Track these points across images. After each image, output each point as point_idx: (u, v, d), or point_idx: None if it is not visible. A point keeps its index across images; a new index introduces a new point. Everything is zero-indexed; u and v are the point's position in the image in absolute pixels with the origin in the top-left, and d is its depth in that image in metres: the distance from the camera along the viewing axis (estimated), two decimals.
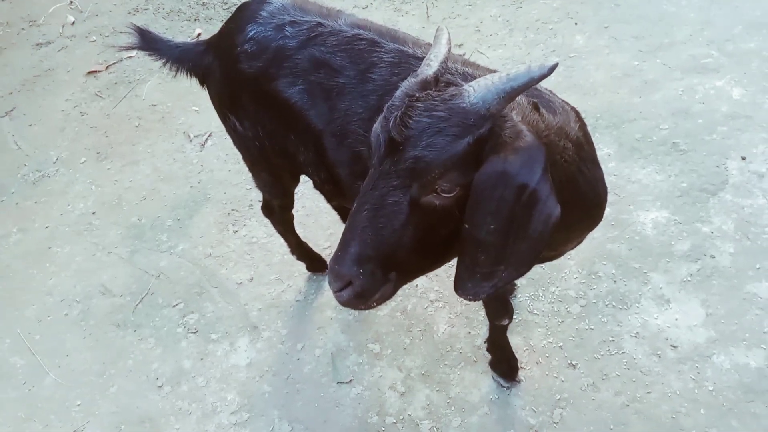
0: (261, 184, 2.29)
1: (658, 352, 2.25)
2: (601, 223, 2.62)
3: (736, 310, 2.31)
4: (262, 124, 1.94)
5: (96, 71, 4.14)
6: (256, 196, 3.09)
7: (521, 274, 1.36)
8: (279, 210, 2.42)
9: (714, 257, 2.46)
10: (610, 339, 2.31)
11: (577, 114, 1.59)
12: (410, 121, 1.20)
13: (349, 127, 1.72)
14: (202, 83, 2.08)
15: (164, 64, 2.08)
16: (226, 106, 2.01)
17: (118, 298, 2.78)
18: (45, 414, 2.45)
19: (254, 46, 1.81)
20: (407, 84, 1.29)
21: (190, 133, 3.57)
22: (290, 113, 1.81)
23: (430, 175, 1.20)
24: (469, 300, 1.40)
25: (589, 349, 2.30)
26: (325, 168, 1.87)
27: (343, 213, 2.68)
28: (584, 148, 1.53)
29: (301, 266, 2.72)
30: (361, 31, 1.73)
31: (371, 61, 1.68)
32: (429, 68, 1.31)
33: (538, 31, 3.69)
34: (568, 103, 1.58)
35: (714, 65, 3.22)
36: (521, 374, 2.26)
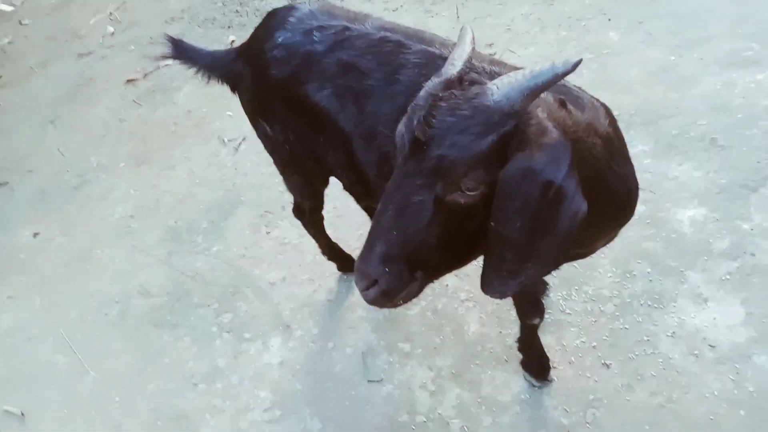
0: (292, 186, 2.32)
1: (696, 352, 2.19)
2: (637, 222, 2.59)
3: None
4: (292, 128, 1.97)
5: (134, 79, 4.27)
6: (288, 198, 3.12)
7: (548, 272, 1.35)
8: (310, 212, 2.45)
9: (754, 255, 2.38)
10: (646, 339, 2.26)
11: (608, 110, 1.56)
12: (434, 121, 1.20)
13: (378, 128, 1.73)
14: (233, 90, 2.12)
15: (197, 72, 2.14)
16: (257, 111, 2.05)
17: (156, 299, 2.86)
18: (86, 411, 2.53)
19: (283, 51, 1.84)
20: (431, 84, 1.29)
21: (225, 138, 3.64)
22: (319, 116, 1.83)
23: (455, 173, 1.20)
24: (496, 298, 1.40)
25: (624, 349, 2.25)
26: (354, 170, 1.88)
27: (373, 214, 2.69)
28: (614, 143, 1.50)
29: (332, 266, 2.74)
30: (388, 34, 1.74)
31: (398, 62, 1.69)
32: (453, 67, 1.31)
33: (571, 28, 3.65)
34: (598, 100, 1.56)
35: (754, 58, 3.12)
36: (553, 374, 2.23)
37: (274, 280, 2.80)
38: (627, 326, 2.30)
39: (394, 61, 1.69)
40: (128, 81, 4.28)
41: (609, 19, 3.63)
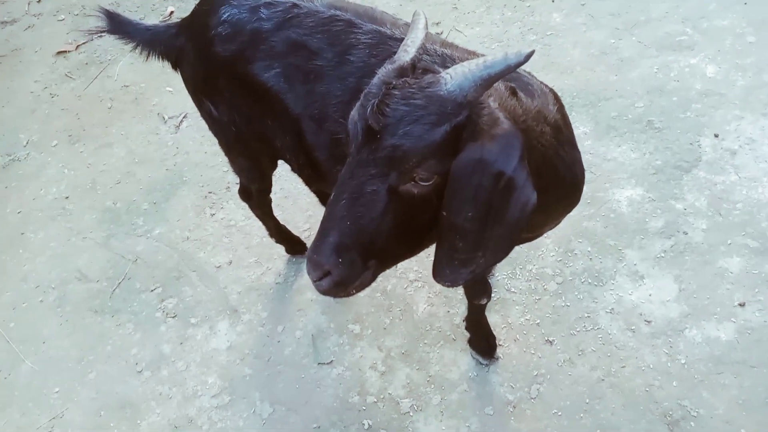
0: (238, 169, 2.26)
1: (633, 327, 2.30)
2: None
3: (708, 285, 2.36)
4: (238, 108, 1.91)
5: (66, 51, 4.04)
6: (233, 179, 3.06)
7: (499, 260, 1.37)
8: (257, 194, 2.41)
9: (687, 233, 2.51)
10: (586, 315, 2.35)
11: (556, 96, 1.59)
12: (387, 110, 1.20)
13: (328, 110, 1.70)
14: (174, 67, 2.04)
15: (135, 48, 2.03)
16: (201, 90, 1.98)
17: (95, 284, 2.76)
18: (23, 401, 2.43)
19: (228, 28, 1.77)
20: (384, 71, 1.28)
21: (165, 115, 3.51)
22: (267, 97, 1.78)
23: (408, 163, 1.20)
24: (448, 286, 1.42)
25: (566, 326, 2.34)
26: (303, 153, 1.85)
27: (323, 196, 2.67)
28: (562, 131, 1.53)
29: (280, 249, 2.71)
30: (338, 12, 1.70)
31: (349, 42, 1.66)
32: (406, 54, 1.30)
33: (516, 9, 3.68)
34: (546, 85, 1.58)
35: (688, 42, 3.24)
36: (499, 351, 2.29)
37: (220, 264, 2.75)
38: (569, 303, 2.39)
39: (345, 41, 1.66)
40: (59, 53, 4.05)
41: (553, 1, 3.67)
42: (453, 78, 1.19)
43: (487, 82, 1.17)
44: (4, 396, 2.46)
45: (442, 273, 1.33)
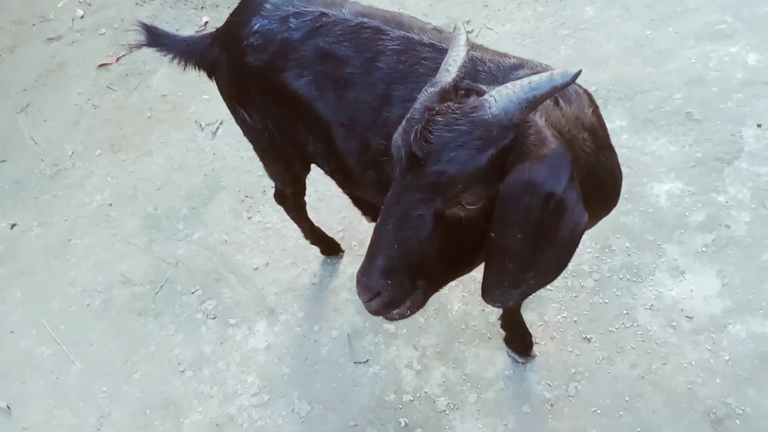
0: (272, 173, 2.31)
1: (673, 324, 2.25)
2: None
3: (752, 280, 2.29)
4: (271, 115, 1.95)
5: (107, 64, 4.18)
6: (269, 183, 3.11)
7: (550, 281, 1.36)
8: (291, 197, 2.45)
9: (729, 227, 2.44)
10: (625, 312, 2.31)
11: (591, 98, 1.57)
12: (431, 136, 1.19)
13: (358, 117, 1.72)
14: (210, 76, 2.10)
15: (172, 59, 2.10)
16: (235, 98, 2.03)
17: (138, 287, 2.84)
18: (73, 401, 2.53)
19: (260, 39, 1.81)
20: (426, 95, 1.27)
21: (202, 122, 3.59)
22: (298, 105, 1.82)
23: (454, 189, 1.19)
24: (497, 306, 1.41)
25: (604, 323, 2.30)
26: (335, 157, 1.88)
27: (355, 198, 2.70)
28: (599, 134, 1.52)
29: (316, 250, 2.75)
30: (365, 20, 1.72)
31: (377, 49, 1.67)
32: (447, 75, 1.28)
33: (547, 4, 3.64)
34: (580, 86, 1.56)
35: (728, 31, 3.15)
36: (536, 349, 2.27)
37: (257, 265, 2.80)
38: (606, 300, 2.35)
39: (373, 48, 1.68)
40: (100, 65, 4.19)
41: None
42: (497, 101, 1.17)
43: (532, 104, 1.16)
44: (56, 396, 2.56)
45: (491, 294, 1.33)
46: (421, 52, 1.62)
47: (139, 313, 2.75)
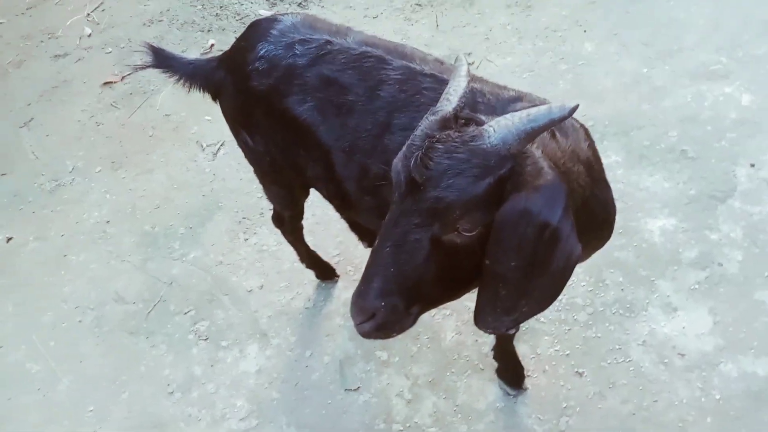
0: (271, 196, 2.33)
1: (666, 360, 2.25)
2: None
3: (744, 318, 2.30)
4: (273, 139, 1.98)
5: (112, 82, 4.22)
6: (267, 205, 3.13)
7: (543, 309, 1.37)
8: (289, 220, 2.46)
9: (722, 265, 2.46)
10: (617, 347, 2.31)
11: (587, 132, 1.60)
12: (431, 162, 1.22)
13: (358, 143, 1.75)
14: (214, 98, 2.13)
15: (178, 81, 2.13)
16: (238, 121, 2.06)
17: (131, 306, 2.84)
18: (59, 419, 2.51)
19: (265, 64, 1.85)
20: (427, 122, 1.30)
21: (203, 143, 3.62)
22: (300, 129, 1.85)
23: (452, 215, 1.22)
24: (489, 333, 1.43)
25: (596, 357, 2.30)
26: (334, 182, 1.90)
27: (353, 223, 2.71)
28: (594, 168, 1.54)
29: (311, 274, 2.75)
30: (369, 49, 1.76)
31: (379, 78, 1.71)
32: (448, 104, 1.31)
33: (547, 39, 3.70)
34: (577, 120, 1.59)
35: (723, 71, 3.21)
36: (527, 382, 2.27)
37: (251, 288, 2.81)
38: (599, 335, 2.35)
39: (375, 77, 1.71)
40: (105, 83, 4.23)
41: (584, 31, 3.69)
42: (496, 131, 1.21)
43: (530, 136, 1.19)
44: (43, 413, 2.54)
45: (484, 320, 1.34)
46: (422, 82, 1.65)
47: (131, 331, 2.74)
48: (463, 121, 1.29)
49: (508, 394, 2.25)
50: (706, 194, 2.69)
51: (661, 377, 2.21)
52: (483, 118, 1.29)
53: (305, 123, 1.82)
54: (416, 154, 1.24)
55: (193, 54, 4.21)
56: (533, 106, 1.29)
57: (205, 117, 3.80)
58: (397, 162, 1.29)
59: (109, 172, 3.58)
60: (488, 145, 1.20)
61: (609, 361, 2.28)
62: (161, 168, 3.54)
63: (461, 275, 1.33)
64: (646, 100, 3.18)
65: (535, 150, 1.26)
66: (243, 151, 2.16)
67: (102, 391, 2.55)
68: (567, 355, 2.33)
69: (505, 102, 1.56)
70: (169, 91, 4.06)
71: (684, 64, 3.31)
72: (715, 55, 3.31)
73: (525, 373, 2.26)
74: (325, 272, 2.74)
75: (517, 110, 1.46)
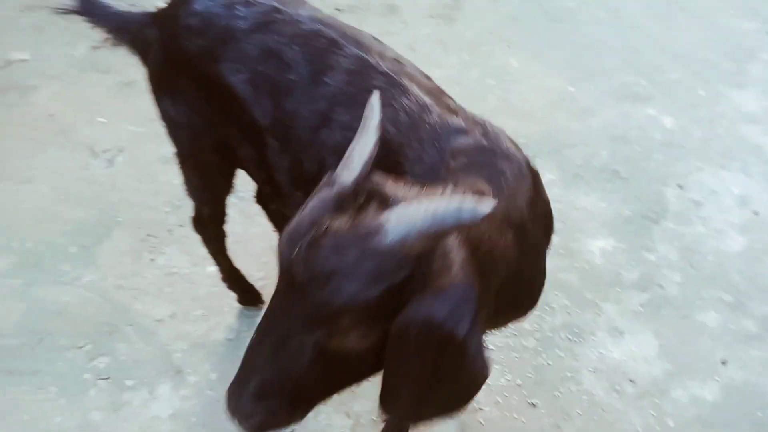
0: (191, 186, 2.01)
1: (617, 388, 2.18)
2: (552, 252, 2.56)
3: (688, 340, 2.30)
4: (198, 110, 1.71)
5: None
6: (176, 221, 2.78)
7: (449, 417, 1.18)
8: (209, 222, 2.16)
9: (662, 286, 2.45)
10: (569, 375, 2.22)
11: (535, 179, 1.39)
12: (316, 259, 0.98)
13: (292, 132, 1.53)
14: (143, 59, 1.82)
15: (107, 34, 1.84)
16: (162, 85, 1.77)
17: (11, 339, 2.36)
18: None
19: (199, 21, 1.58)
20: (319, 199, 1.05)
21: (97, 148, 3.17)
22: (231, 102, 1.59)
23: (340, 323, 0.99)
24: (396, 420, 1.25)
25: (549, 386, 2.19)
26: (265, 168, 1.66)
27: (282, 219, 2.43)
28: (528, 232, 1.32)
29: (231, 300, 2.44)
30: (322, 28, 1.52)
31: (328, 63, 1.48)
32: (348, 173, 1.05)
33: (473, 53, 3.64)
34: (528, 162, 1.39)
35: (644, 94, 3.29)
36: (480, 416, 2.11)
37: (161, 317, 2.43)
38: (550, 362, 2.25)
39: (323, 61, 1.49)
40: None
41: (509, 47, 3.67)
42: (395, 227, 0.97)
43: (434, 238, 0.97)
44: None
45: (387, 411, 1.14)
46: (374, 79, 1.44)
47: (9, 371, 2.27)
48: (364, 196, 1.04)
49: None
50: (640, 215, 2.70)
51: (615, 405, 2.14)
52: (391, 192, 1.05)
53: (238, 96, 1.57)
54: (300, 244, 0.99)
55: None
56: (477, 150, 1.19)
57: (98, 119, 3.34)
58: (284, 241, 1.04)
59: None
60: (385, 245, 0.97)
61: (562, 391, 2.18)
62: (45, 177, 3.05)
63: (354, 376, 1.12)
64: (575, 119, 3.18)
65: (451, 240, 1.04)
66: (165, 123, 1.85)
67: None
68: (519, 385, 2.20)
69: (449, 132, 1.35)
70: (52, 88, 3.55)
71: (607, 84, 3.37)
72: (635, 77, 3.39)
73: (478, 405, 2.10)
74: (249, 296, 2.44)
75: (458, 147, 1.30)
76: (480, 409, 2.13)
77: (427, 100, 1.39)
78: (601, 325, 2.34)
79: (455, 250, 1.02)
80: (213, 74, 1.59)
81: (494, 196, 1.20)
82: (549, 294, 2.43)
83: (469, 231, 1.08)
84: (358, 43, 1.52)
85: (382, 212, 0.99)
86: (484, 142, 1.33)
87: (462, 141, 1.32)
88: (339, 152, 1.42)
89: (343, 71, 1.46)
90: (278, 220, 2.47)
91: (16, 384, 2.25)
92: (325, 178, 1.08)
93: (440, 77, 3.44)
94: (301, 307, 0.99)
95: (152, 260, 2.64)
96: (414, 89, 1.41)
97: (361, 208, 1.02)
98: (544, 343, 2.30)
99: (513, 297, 1.37)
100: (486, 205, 0.94)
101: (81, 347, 2.35)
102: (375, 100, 1.13)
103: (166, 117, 1.82)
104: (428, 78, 1.61)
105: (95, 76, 3.67)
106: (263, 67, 1.54)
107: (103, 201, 2.89)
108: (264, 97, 1.55)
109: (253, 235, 2.66)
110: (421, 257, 0.98)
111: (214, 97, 1.64)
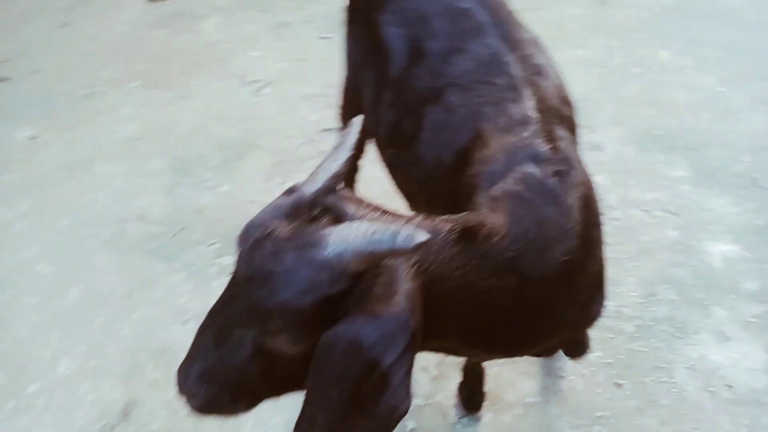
0: (342, 110, 2.24)
1: (712, 389, 2.12)
2: (669, 246, 2.51)
3: None
4: (359, 46, 1.90)
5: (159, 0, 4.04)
6: (308, 153, 2.99)
7: None
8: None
9: None
10: (662, 366, 2.18)
11: (586, 246, 1.29)
12: (256, 260, 1.00)
13: (406, 94, 1.60)
14: None
15: None
16: (347, 17, 2.00)
17: (154, 227, 2.68)
18: (65, 324, 2.35)
19: None
20: (276, 203, 1.07)
21: (247, 78, 3.46)
22: (379, 48, 1.71)
23: (270, 325, 1.01)
24: None
25: (639, 372, 2.17)
26: (375, 117, 1.76)
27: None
28: (545, 290, 1.24)
29: None
30: (478, 8, 1.57)
31: (464, 45, 1.53)
32: (311, 185, 1.07)
33: (622, 39, 3.55)
34: (590, 225, 1.29)
35: None
36: (563, 384, 2.14)
37: None
38: (645, 349, 2.22)
39: (461, 41, 1.54)
40: (150, 0, 4.05)
41: (661, 37, 3.54)
42: (333, 242, 0.98)
43: (370, 259, 0.97)
44: (48, 316, 2.38)
45: (300, 428, 1.10)
46: (497, 77, 1.45)
47: (150, 253, 2.59)
48: (319, 210, 1.05)
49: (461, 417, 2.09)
50: None
51: (706, 405, 2.08)
52: (349, 209, 1.05)
53: (384, 45, 1.68)
54: (250, 239, 1.02)
55: None
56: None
57: (252, 52, 3.63)
58: (240, 235, 1.07)
59: (145, 90, 3.42)
60: (321, 257, 0.97)
61: (651, 379, 2.15)
62: (200, 95, 3.37)
63: (292, 382, 1.12)
64: (719, 120, 3.03)
65: (400, 265, 1.02)
66: (345, 47, 2.07)
67: (112, 307, 2.40)
68: (608, 363, 2.19)
69: (527, 154, 1.30)
70: (217, 18, 3.89)
71: (762, 90, 3.17)
72: None
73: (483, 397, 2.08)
74: None
75: (522, 173, 1.25)
76: (563, 377, 2.16)
77: (532, 114, 1.36)
78: (707, 327, 2.27)
79: (402, 279, 1.01)
80: (374, 20, 1.73)
81: (505, 236, 1.17)
82: (656, 285, 2.38)
83: (432, 265, 1.07)
84: (506, 35, 1.52)
85: (329, 226, 1.01)
86: (548, 184, 1.25)
87: (530, 170, 1.27)
88: (434, 129, 1.53)
89: (473, 59, 1.50)
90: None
91: (153, 264, 2.56)
92: (289, 186, 1.10)
93: (582, 58, 3.45)
94: (241, 301, 1.02)
95: (281, 183, 2.87)
96: (527, 102, 1.38)
97: (312, 220, 1.04)
98: (643, 330, 2.27)
99: (511, 335, 1.30)
100: (420, 236, 0.92)
101: (211, 245, 2.62)
102: (357, 121, 1.13)
103: (345, 43, 2.02)
104: (563, 94, 1.53)
105: (256, 14, 3.96)
106: (413, 28, 1.63)
107: (247, 124, 3.17)
108: (401, 56, 1.64)
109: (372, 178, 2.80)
110: (360, 277, 0.98)
111: (368, 39, 1.78)
